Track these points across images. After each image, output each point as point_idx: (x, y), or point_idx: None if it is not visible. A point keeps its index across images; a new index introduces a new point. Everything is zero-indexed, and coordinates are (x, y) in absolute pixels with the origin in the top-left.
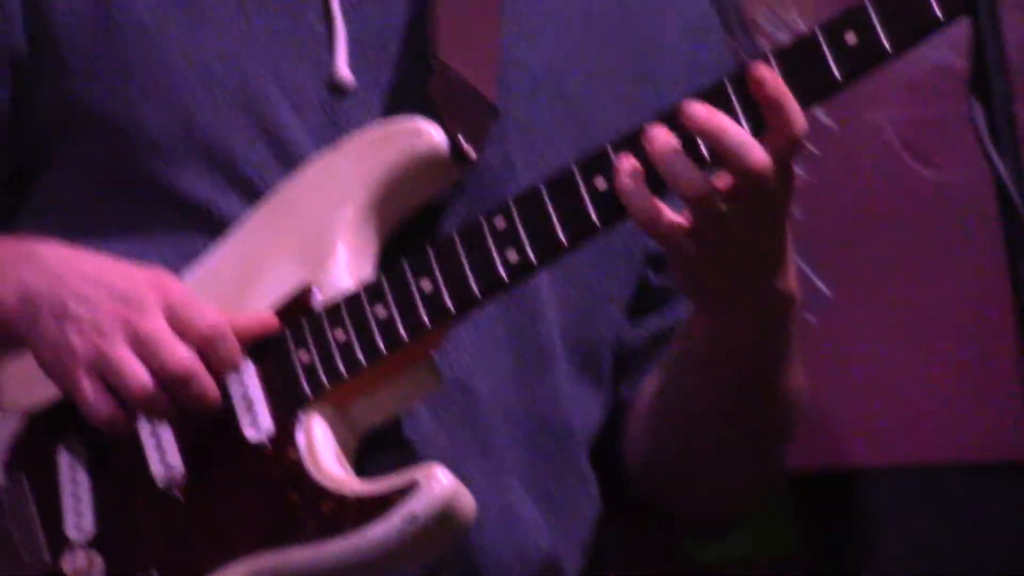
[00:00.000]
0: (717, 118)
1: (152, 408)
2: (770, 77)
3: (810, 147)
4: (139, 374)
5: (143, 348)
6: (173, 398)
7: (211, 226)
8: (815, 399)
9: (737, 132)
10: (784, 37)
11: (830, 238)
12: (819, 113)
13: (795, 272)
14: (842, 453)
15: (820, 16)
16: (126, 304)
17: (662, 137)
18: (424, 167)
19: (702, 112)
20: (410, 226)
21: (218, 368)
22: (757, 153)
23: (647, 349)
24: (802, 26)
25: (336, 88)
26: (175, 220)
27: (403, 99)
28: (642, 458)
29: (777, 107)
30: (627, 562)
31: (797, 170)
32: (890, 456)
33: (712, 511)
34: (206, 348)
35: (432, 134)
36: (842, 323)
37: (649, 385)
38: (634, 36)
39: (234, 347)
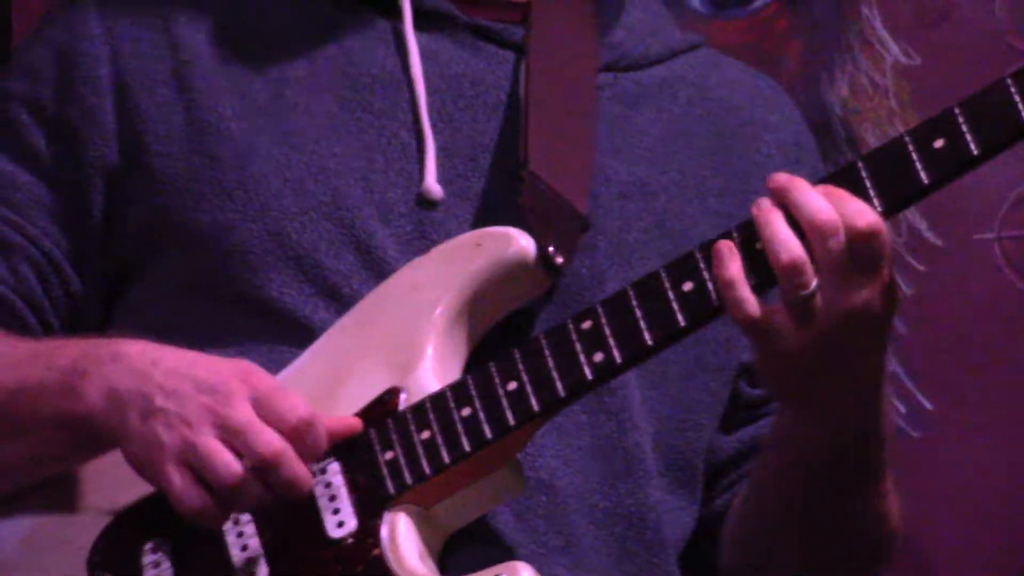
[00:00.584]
0: (799, 182)
1: (243, 495)
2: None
3: (915, 263)
4: (229, 461)
5: (232, 436)
6: (263, 485)
7: (299, 335)
8: (912, 515)
9: (809, 191)
10: None
11: (933, 352)
12: (925, 230)
13: (890, 408)
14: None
15: None
16: (212, 395)
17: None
18: (513, 274)
19: (783, 176)
20: (499, 333)
21: (305, 457)
22: (822, 209)
23: (739, 460)
24: None
25: (425, 200)
26: (263, 329)
27: (492, 209)
28: (732, 566)
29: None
30: None
31: (901, 284)
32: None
33: None
34: (294, 437)
35: (522, 242)
36: (942, 437)
37: (740, 494)
38: (727, 152)
39: (321, 437)
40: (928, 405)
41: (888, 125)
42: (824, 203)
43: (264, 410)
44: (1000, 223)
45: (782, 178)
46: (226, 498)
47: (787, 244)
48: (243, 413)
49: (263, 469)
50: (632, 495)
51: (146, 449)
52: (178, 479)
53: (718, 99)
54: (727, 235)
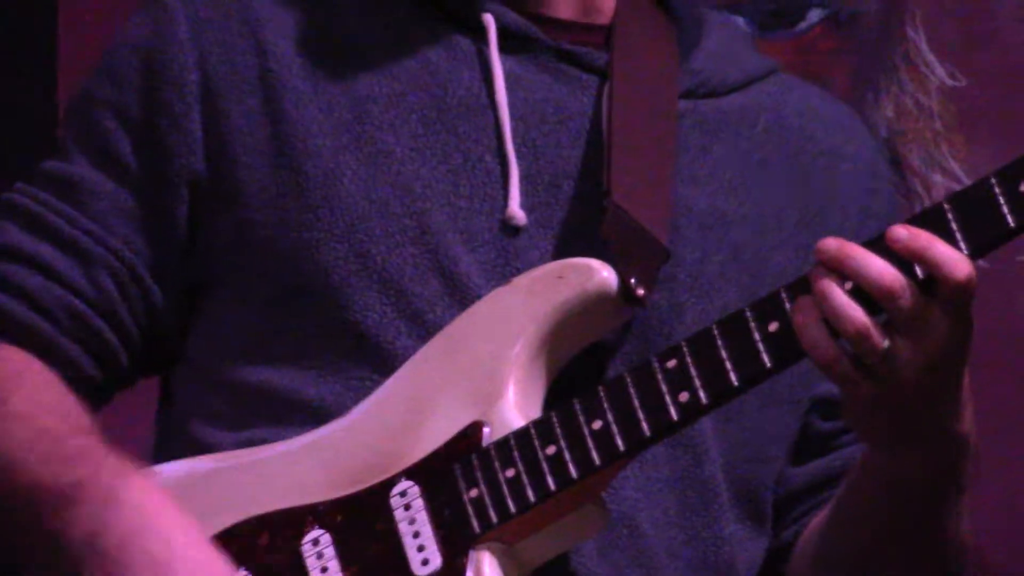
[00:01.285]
0: (846, 247)
1: None
2: (904, 232)
3: None
4: None
5: None
6: None
7: (379, 357)
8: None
9: (863, 255)
10: (937, 177)
11: (979, 375)
12: None
13: (972, 417)
14: None
15: (972, 154)
16: None
17: (823, 278)
18: (594, 307)
19: (832, 243)
20: (577, 365)
21: None
22: (883, 271)
23: (809, 493)
24: (953, 165)
25: (508, 226)
26: (343, 350)
27: (574, 238)
28: None
29: (922, 255)
30: None
31: None
32: None
33: None
34: None
35: (604, 274)
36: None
37: (815, 524)
38: (805, 181)
39: None
40: None
41: (933, 146)
42: (883, 264)
43: None
44: None
45: (831, 245)
46: None
47: (849, 312)
48: None
49: None
50: (708, 527)
51: None
52: None
53: (795, 127)
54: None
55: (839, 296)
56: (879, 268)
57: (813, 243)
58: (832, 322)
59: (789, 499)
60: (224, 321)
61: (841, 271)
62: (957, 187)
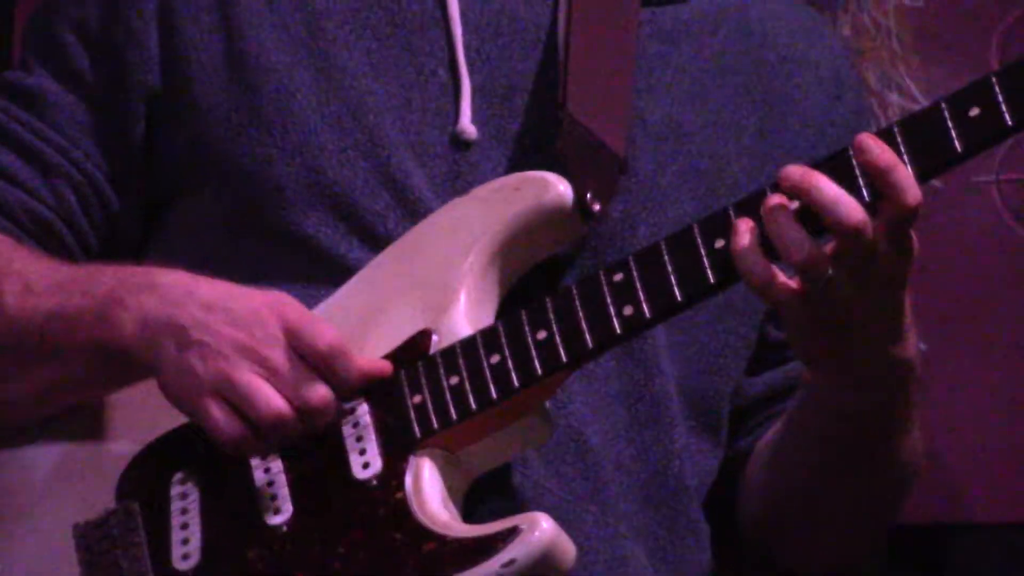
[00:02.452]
0: (811, 176)
1: (281, 430)
2: (874, 146)
3: None
4: (270, 397)
5: (269, 374)
6: (302, 422)
7: (333, 272)
8: None
9: (830, 188)
10: (893, 97)
11: (929, 294)
12: None
13: (916, 339)
14: (932, 509)
15: (928, 74)
16: (248, 329)
17: (773, 201)
18: (550, 221)
19: (795, 172)
20: (531, 277)
21: (335, 387)
22: (850, 209)
23: (764, 402)
24: (910, 84)
25: (459, 141)
26: (298, 265)
27: (529, 150)
28: (755, 510)
29: (882, 175)
30: None
31: None
32: (979, 514)
33: (822, 566)
34: (325, 367)
35: (560, 188)
36: (936, 379)
37: (768, 439)
38: (766, 89)
39: (351, 368)
40: (922, 346)
41: (890, 66)
42: (847, 197)
43: (297, 340)
44: (999, 166)
45: (795, 174)
46: (264, 432)
47: (799, 244)
48: (278, 351)
49: (305, 414)
50: (657, 442)
51: (182, 380)
52: (216, 412)
53: (758, 34)
54: (761, 194)
55: (791, 223)
56: (845, 203)
57: (772, 152)
58: (779, 248)
59: (745, 409)
60: (183, 235)
61: (802, 200)
62: (914, 107)
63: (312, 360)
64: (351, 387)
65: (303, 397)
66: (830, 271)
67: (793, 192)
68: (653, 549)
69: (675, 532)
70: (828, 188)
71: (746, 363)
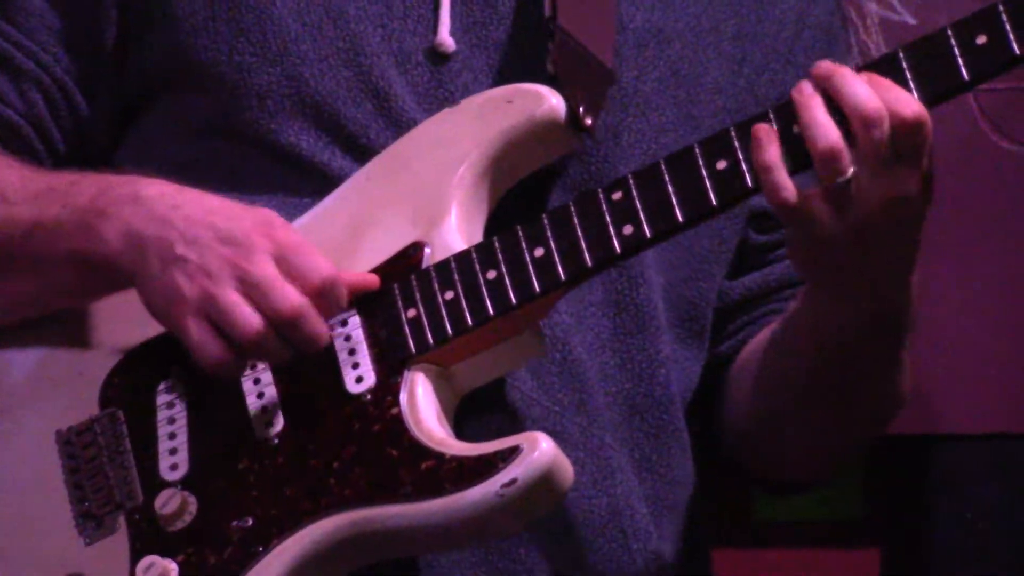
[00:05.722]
0: (838, 67)
1: (261, 349)
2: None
3: None
4: (248, 315)
5: (253, 291)
6: (282, 340)
7: (312, 181)
8: None
9: (854, 76)
10: (872, 6)
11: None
12: None
13: (918, 280)
14: (913, 420)
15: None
16: (234, 247)
17: (808, 89)
18: (542, 134)
19: (826, 64)
20: (517, 186)
21: (326, 315)
22: (869, 97)
23: (745, 306)
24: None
25: (437, 53)
26: (277, 173)
27: (513, 59)
28: (737, 423)
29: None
30: None
31: None
32: (960, 425)
33: (799, 472)
34: (315, 295)
35: (552, 101)
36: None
37: (753, 346)
38: None
39: (343, 297)
40: None
41: None
42: (870, 91)
43: (286, 266)
44: None
45: (825, 65)
46: (244, 351)
47: (825, 130)
48: (264, 268)
49: (282, 325)
50: (642, 351)
51: (165, 297)
52: (197, 330)
53: None
54: (763, 116)
55: (821, 110)
56: (866, 94)
57: (748, 56)
58: (807, 136)
59: (726, 312)
60: (159, 141)
61: (827, 87)
62: (892, 17)
63: (302, 286)
64: (341, 311)
65: (288, 318)
66: (852, 169)
67: (822, 80)
68: (638, 459)
69: (660, 441)
70: (853, 75)
71: (729, 267)
